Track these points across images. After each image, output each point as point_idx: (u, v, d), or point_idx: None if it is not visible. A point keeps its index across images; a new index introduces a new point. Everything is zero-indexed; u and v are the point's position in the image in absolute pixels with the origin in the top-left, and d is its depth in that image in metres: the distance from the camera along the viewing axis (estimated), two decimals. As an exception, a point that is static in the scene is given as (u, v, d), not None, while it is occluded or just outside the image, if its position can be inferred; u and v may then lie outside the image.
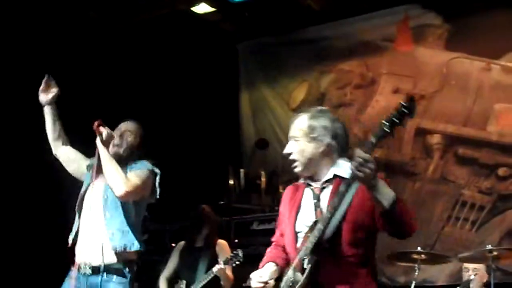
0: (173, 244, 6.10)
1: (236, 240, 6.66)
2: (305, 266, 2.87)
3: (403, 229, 2.85)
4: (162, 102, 8.56)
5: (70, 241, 3.95)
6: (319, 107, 3.24)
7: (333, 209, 2.85)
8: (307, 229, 2.98)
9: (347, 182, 2.84)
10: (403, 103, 2.70)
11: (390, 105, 7.79)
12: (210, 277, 5.38)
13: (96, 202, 3.92)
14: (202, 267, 5.56)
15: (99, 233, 3.82)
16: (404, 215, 2.80)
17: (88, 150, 4.13)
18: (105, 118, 4.10)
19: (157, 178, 4.07)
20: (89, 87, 7.51)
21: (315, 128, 3.06)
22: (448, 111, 7.61)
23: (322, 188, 3.06)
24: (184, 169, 8.21)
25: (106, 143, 3.95)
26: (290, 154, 3.09)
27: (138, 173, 3.94)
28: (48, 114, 4.17)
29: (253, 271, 6.26)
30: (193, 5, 7.83)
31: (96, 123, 3.96)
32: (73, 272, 3.83)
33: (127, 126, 4.13)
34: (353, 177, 2.75)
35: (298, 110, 8.38)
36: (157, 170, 4.07)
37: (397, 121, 2.70)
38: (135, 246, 3.86)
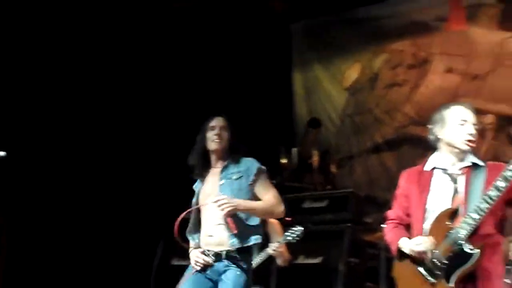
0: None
1: (288, 219, 6.61)
2: (467, 250, 3.10)
3: None
4: (214, 84, 8.69)
5: (188, 231, 4.15)
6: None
7: (490, 199, 3.11)
8: (438, 209, 3.27)
9: (477, 171, 3.28)
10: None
11: (443, 84, 7.79)
12: (264, 258, 5.29)
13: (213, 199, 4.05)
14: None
15: (220, 228, 4.00)
16: None
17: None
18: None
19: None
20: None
21: None
22: (501, 91, 7.50)
23: (458, 174, 3.35)
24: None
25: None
26: (473, 137, 3.44)
27: (266, 185, 4.15)
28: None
29: (304, 248, 6.34)
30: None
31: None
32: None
33: (220, 122, 4.23)
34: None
35: (350, 89, 8.45)
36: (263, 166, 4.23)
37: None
38: (253, 240, 4.02)
